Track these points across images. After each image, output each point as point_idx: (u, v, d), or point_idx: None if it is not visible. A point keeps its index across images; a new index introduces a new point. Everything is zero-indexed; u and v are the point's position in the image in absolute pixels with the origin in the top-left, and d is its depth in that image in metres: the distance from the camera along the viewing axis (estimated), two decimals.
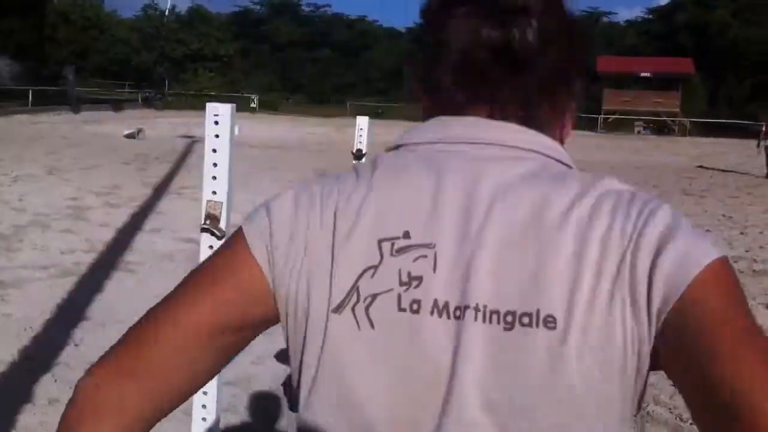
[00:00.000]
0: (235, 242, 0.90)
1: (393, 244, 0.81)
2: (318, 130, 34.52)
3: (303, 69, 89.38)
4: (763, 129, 25.03)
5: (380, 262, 0.81)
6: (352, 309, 0.81)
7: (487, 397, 0.76)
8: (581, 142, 37.69)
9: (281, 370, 5.39)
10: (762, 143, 24.62)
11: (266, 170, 18.05)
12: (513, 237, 0.79)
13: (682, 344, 0.72)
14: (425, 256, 0.80)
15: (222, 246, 0.93)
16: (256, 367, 5.60)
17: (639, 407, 0.80)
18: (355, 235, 0.82)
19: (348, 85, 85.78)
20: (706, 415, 0.71)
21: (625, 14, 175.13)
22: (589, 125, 51.78)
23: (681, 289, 0.73)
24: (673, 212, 0.85)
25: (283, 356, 1.50)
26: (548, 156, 0.90)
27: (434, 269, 0.80)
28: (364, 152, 6.07)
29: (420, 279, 0.80)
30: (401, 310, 0.80)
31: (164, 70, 61.25)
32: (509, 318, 0.77)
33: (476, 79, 0.89)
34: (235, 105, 2.74)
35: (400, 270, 0.81)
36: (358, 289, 0.81)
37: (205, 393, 2.53)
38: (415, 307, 0.80)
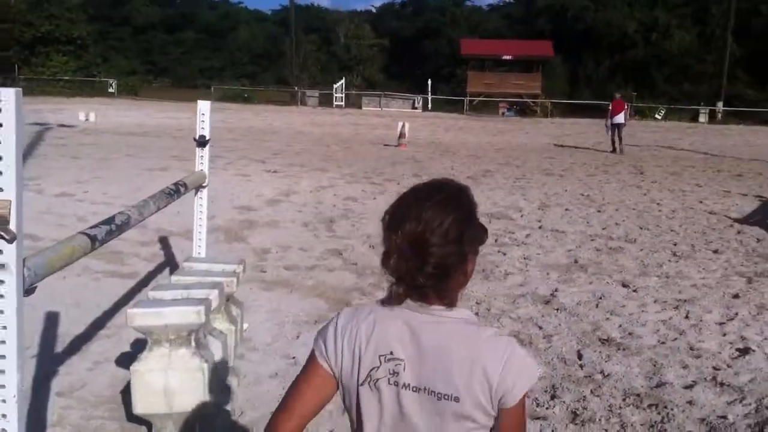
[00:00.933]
0: (310, 359, 1.87)
1: (385, 357, 1.74)
2: (180, 115, 33.35)
3: (166, 52, 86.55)
4: (609, 107, 26.25)
5: (380, 365, 1.75)
6: (368, 384, 1.75)
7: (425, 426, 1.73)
8: (448, 124, 38.22)
9: (121, 374, 4.98)
10: (608, 121, 25.92)
11: (122, 157, 17.18)
12: (441, 359, 1.73)
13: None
14: (400, 364, 1.73)
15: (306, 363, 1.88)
16: (92, 372, 5.16)
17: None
18: (368, 350, 1.76)
19: (214, 68, 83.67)
20: None
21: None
22: (456, 108, 52.67)
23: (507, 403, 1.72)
24: (506, 353, 1.73)
25: None
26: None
27: (404, 369, 1.73)
28: (207, 138, 5.69)
29: (398, 374, 1.73)
30: (390, 385, 1.73)
31: (13, 54, 57.69)
32: (431, 392, 1.72)
33: None
34: (20, 89, 2.31)
35: (388, 369, 1.74)
36: (370, 376, 1.75)
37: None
38: (395, 384, 1.73)
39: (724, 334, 6.49)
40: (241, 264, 5.26)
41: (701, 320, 6.87)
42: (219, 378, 4.43)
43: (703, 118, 51.08)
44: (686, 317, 6.97)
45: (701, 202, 14.41)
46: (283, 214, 11.28)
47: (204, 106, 5.54)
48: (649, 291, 7.82)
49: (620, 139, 25.43)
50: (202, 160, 5.63)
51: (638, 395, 5.14)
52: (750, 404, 5.04)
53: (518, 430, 1.74)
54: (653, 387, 5.30)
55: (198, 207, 5.74)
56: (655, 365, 5.67)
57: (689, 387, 5.29)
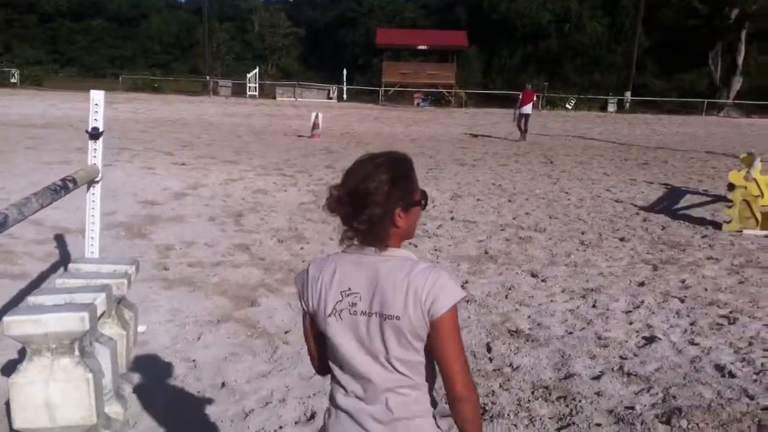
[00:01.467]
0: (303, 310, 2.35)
1: (345, 292, 2.19)
2: (86, 106, 32.03)
3: (73, 41, 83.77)
4: (520, 97, 26.92)
5: (342, 299, 2.19)
6: (334, 315, 2.20)
7: (363, 342, 2.17)
8: (363, 115, 38.07)
9: (5, 384, 4.63)
10: (517, 111, 26.65)
11: (21, 151, 16.40)
12: (385, 288, 2.15)
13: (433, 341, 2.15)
14: (357, 296, 2.18)
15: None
16: None
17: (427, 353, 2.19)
18: (331, 288, 2.21)
19: (124, 57, 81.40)
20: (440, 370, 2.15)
21: None
22: (372, 98, 52.56)
23: (434, 315, 2.12)
24: (434, 277, 2.14)
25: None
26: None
27: (360, 300, 2.18)
28: (101, 130, 5.38)
29: (355, 304, 2.18)
30: (351, 314, 2.18)
31: None
32: (378, 315, 2.14)
33: None
34: None
35: (348, 302, 2.18)
36: (335, 308, 2.20)
37: None
38: (354, 312, 2.17)
39: (631, 323, 6.53)
40: (134, 264, 4.97)
41: (608, 309, 6.90)
42: (108, 387, 4.16)
43: (612, 108, 52.40)
44: (593, 306, 7.00)
45: (608, 190, 14.66)
46: (189, 209, 10.92)
47: (97, 96, 5.24)
48: (558, 280, 7.84)
49: (526, 128, 26.32)
50: (95, 153, 5.34)
51: (547, 388, 5.10)
52: (657, 393, 5.05)
53: (449, 340, 2.15)
54: (562, 379, 5.26)
55: (90, 204, 5.43)
56: (563, 356, 5.65)
57: (597, 378, 5.28)
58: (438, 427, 2.31)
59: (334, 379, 2.31)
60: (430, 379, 2.26)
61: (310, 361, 2.47)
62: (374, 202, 2.14)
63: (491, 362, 5.53)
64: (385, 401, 2.21)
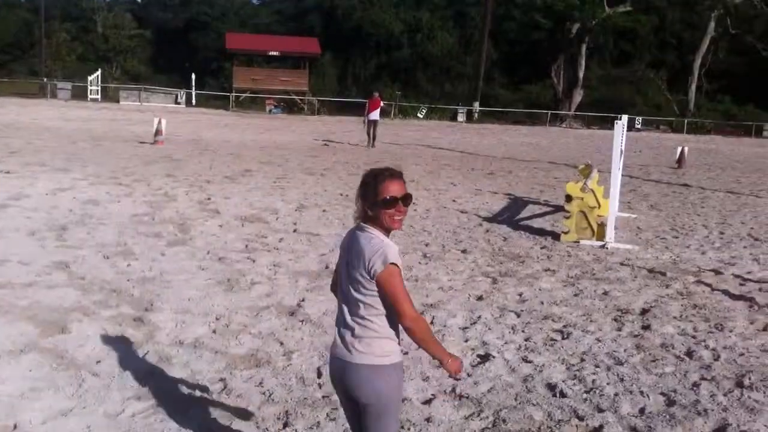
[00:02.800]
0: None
1: (344, 249, 3.35)
2: None
3: None
4: (367, 105, 27.71)
5: (342, 257, 3.36)
6: (341, 261, 3.37)
7: (350, 293, 3.24)
8: (213, 121, 37.05)
9: None
10: (366, 118, 27.56)
11: None
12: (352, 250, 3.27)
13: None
14: (343, 251, 3.34)
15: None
16: None
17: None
18: (341, 248, 3.41)
19: None
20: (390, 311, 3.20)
21: None
22: (222, 103, 51.37)
23: (375, 271, 3.15)
24: (378, 245, 3.15)
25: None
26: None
27: (345, 257, 3.32)
28: None
29: (344, 259, 3.32)
30: (344, 265, 3.30)
31: None
32: (350, 266, 3.24)
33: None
34: None
35: (344, 260, 3.32)
36: (342, 263, 3.34)
37: None
38: (344, 262, 3.30)
39: (467, 340, 6.42)
40: None
41: (445, 326, 6.77)
42: None
43: (461, 118, 53.61)
44: (431, 323, 6.84)
45: (455, 200, 14.76)
46: (8, 222, 10.03)
47: None
48: None
49: (374, 135, 27.18)
50: None
51: None
52: (487, 417, 4.91)
53: (389, 291, 3.12)
54: None
55: None
56: None
57: (428, 402, 5.09)
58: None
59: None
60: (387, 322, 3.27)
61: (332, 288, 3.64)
62: (357, 199, 3.31)
63: (321, 388, 5.23)
64: (352, 323, 3.26)
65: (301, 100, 53.47)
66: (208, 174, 16.20)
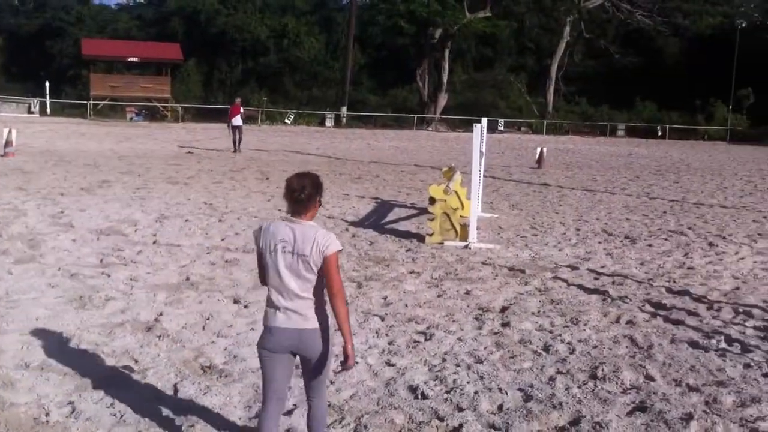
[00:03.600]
0: (258, 250, 4.07)
1: (281, 240, 3.90)
2: None
3: None
4: (229, 111, 28.66)
5: (278, 244, 3.91)
6: (274, 252, 3.91)
7: (289, 268, 3.91)
8: (69, 130, 35.44)
9: None
10: (229, 123, 28.24)
11: None
12: (301, 239, 3.92)
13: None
14: (287, 242, 3.89)
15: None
16: None
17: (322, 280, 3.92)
18: (274, 238, 3.93)
19: None
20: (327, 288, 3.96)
21: None
22: (80, 112, 49.29)
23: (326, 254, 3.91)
24: (326, 234, 3.95)
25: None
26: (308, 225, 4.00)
27: (288, 245, 3.90)
28: None
29: (285, 247, 3.89)
30: (282, 252, 3.89)
31: None
32: (297, 253, 3.87)
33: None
34: None
35: (282, 246, 3.90)
36: (276, 248, 3.91)
37: None
38: (283, 250, 3.89)
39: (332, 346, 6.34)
40: None
41: None
42: None
43: (330, 123, 53.64)
44: None
45: (322, 206, 14.66)
46: None
47: None
48: (261, 305, 7.42)
49: (239, 140, 27.79)
50: None
51: (240, 428, 4.73)
52: (349, 424, 4.88)
53: (333, 272, 3.89)
54: (252, 417, 4.91)
55: None
56: (257, 392, 5.29)
57: (289, 413, 5.00)
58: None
59: (269, 294, 4.04)
60: (321, 294, 4.00)
61: (261, 280, 4.13)
62: (306, 197, 3.92)
63: (177, 405, 5.03)
64: (302, 298, 3.94)
65: (163, 107, 52.02)
66: (62, 186, 15.46)
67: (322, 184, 4.05)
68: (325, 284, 3.92)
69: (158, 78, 54.56)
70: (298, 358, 4.12)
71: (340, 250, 3.96)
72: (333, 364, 4.28)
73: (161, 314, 7.09)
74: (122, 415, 4.87)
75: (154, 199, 14.46)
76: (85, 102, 49.76)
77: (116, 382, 5.40)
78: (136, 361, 5.84)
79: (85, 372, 5.56)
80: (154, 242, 10.47)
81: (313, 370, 4.11)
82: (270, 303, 4.02)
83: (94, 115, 48.86)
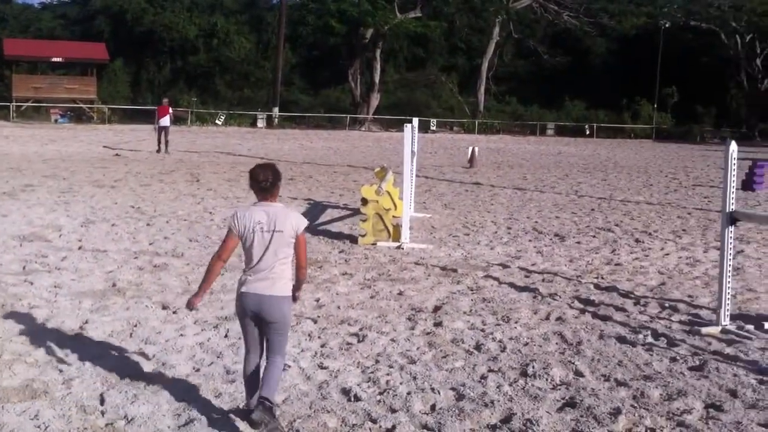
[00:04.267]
0: (228, 231, 4.81)
1: (257, 222, 4.68)
2: None
3: None
4: (156, 112, 28.77)
5: (255, 225, 4.69)
6: (252, 232, 4.68)
7: (265, 245, 4.71)
8: None
9: None
10: (156, 124, 28.37)
11: None
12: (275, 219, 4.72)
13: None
14: (262, 223, 4.68)
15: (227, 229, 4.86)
16: None
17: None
18: (251, 221, 4.69)
19: None
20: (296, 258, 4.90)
21: None
22: (2, 114, 47.75)
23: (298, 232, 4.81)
24: (297, 214, 4.90)
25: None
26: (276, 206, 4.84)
27: (264, 224, 4.68)
28: None
29: (262, 227, 4.67)
30: (260, 231, 4.68)
31: None
32: (273, 231, 4.68)
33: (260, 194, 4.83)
34: None
35: (260, 228, 4.67)
36: (253, 229, 4.68)
37: None
38: (261, 230, 4.68)
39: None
40: None
41: (239, 338, 6.57)
42: None
43: (261, 123, 53.21)
44: (225, 336, 6.67)
45: None
46: None
47: None
48: (188, 312, 7.34)
49: (166, 141, 27.91)
50: None
51: None
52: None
53: (302, 245, 4.81)
54: (181, 426, 4.81)
55: None
56: (185, 399, 5.19)
57: (219, 419, 4.89)
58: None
59: (246, 267, 4.78)
60: (288, 266, 4.76)
61: (224, 255, 4.80)
62: (277, 180, 4.79)
63: (103, 416, 4.90)
64: (272, 269, 4.69)
65: (89, 108, 50.80)
66: None
67: (281, 173, 4.91)
68: (293, 256, 4.80)
69: (84, 78, 53.32)
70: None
71: (307, 226, 4.87)
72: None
73: (87, 322, 6.90)
74: (47, 427, 4.71)
75: (79, 203, 14.10)
76: (8, 104, 48.25)
77: (40, 393, 5.22)
78: (61, 371, 5.66)
79: (7, 383, 5.37)
80: (80, 248, 10.20)
81: (274, 331, 4.79)
82: (244, 273, 4.80)
83: (17, 117, 47.44)
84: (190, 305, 4.86)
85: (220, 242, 10.94)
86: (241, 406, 5.06)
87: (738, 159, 7.27)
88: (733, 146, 7.16)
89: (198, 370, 5.80)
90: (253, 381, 4.84)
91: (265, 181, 4.67)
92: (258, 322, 4.79)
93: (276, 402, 4.86)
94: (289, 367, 5.86)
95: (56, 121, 47.65)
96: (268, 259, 4.67)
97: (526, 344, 6.70)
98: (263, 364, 4.83)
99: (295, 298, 4.84)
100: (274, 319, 4.72)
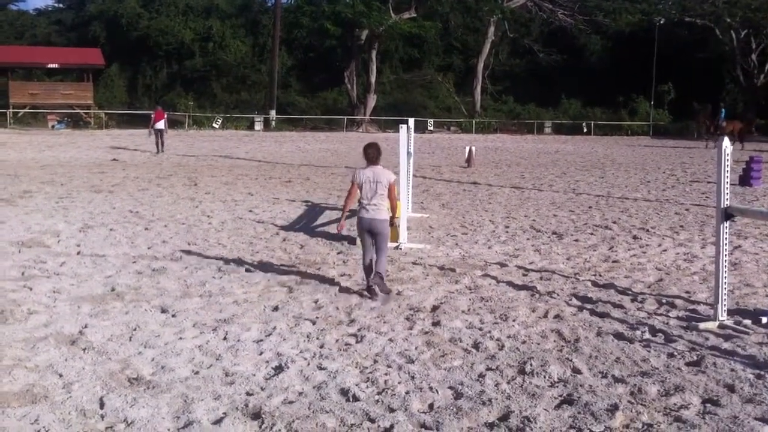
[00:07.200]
0: (352, 184, 8.65)
1: (367, 177, 8.38)
2: None
3: None
4: (152, 116, 29.91)
5: (366, 179, 8.39)
6: (366, 183, 8.38)
7: (371, 190, 8.43)
8: None
9: None
10: (152, 128, 29.60)
11: None
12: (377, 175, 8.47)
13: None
14: (371, 177, 8.37)
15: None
16: None
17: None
18: (363, 176, 8.41)
19: None
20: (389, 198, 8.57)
21: (36, 2, 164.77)
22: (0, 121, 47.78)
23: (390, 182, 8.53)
24: (389, 172, 8.60)
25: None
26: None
27: (370, 177, 8.38)
28: None
29: (369, 179, 8.36)
30: (369, 182, 8.36)
31: None
32: (376, 182, 8.37)
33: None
34: None
35: (368, 180, 8.36)
36: (364, 180, 8.38)
37: None
38: (368, 180, 8.36)
39: (261, 353, 6.30)
40: None
41: (239, 340, 6.62)
42: None
43: (259, 126, 53.23)
44: (224, 339, 6.68)
45: (251, 211, 14.57)
46: None
47: None
48: (189, 314, 7.40)
49: (162, 143, 29.26)
50: None
51: None
52: (280, 430, 4.82)
53: (393, 191, 8.42)
54: (180, 428, 4.82)
55: None
56: (185, 401, 5.21)
57: (218, 421, 4.92)
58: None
59: (360, 201, 8.32)
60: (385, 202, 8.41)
61: (351, 196, 8.51)
62: (379, 153, 8.51)
63: (103, 420, 4.92)
64: (376, 204, 8.24)
65: (86, 113, 50.80)
66: None
67: (382, 150, 8.54)
68: (388, 196, 8.29)
69: (80, 84, 53.34)
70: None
71: (396, 179, 8.37)
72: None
73: (86, 326, 6.91)
74: (47, 431, 4.74)
75: (77, 209, 14.12)
76: (5, 110, 48.27)
77: (40, 398, 5.24)
78: (61, 375, 5.68)
79: (7, 388, 5.39)
80: (78, 253, 10.22)
81: (380, 241, 8.20)
82: (360, 205, 8.26)
83: (15, 123, 47.46)
84: (339, 229, 8.92)
85: (219, 244, 11.14)
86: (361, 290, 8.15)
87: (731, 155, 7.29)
88: (726, 142, 7.19)
89: (197, 372, 5.82)
90: (369, 268, 8.19)
91: (372, 154, 8.30)
92: (370, 234, 8.19)
93: (384, 274, 8.29)
94: (287, 368, 5.89)
95: (53, 127, 47.65)
96: (374, 198, 8.16)
97: (524, 342, 6.72)
98: (374, 257, 8.14)
99: (391, 223, 8.35)
100: (378, 232, 8.18)
